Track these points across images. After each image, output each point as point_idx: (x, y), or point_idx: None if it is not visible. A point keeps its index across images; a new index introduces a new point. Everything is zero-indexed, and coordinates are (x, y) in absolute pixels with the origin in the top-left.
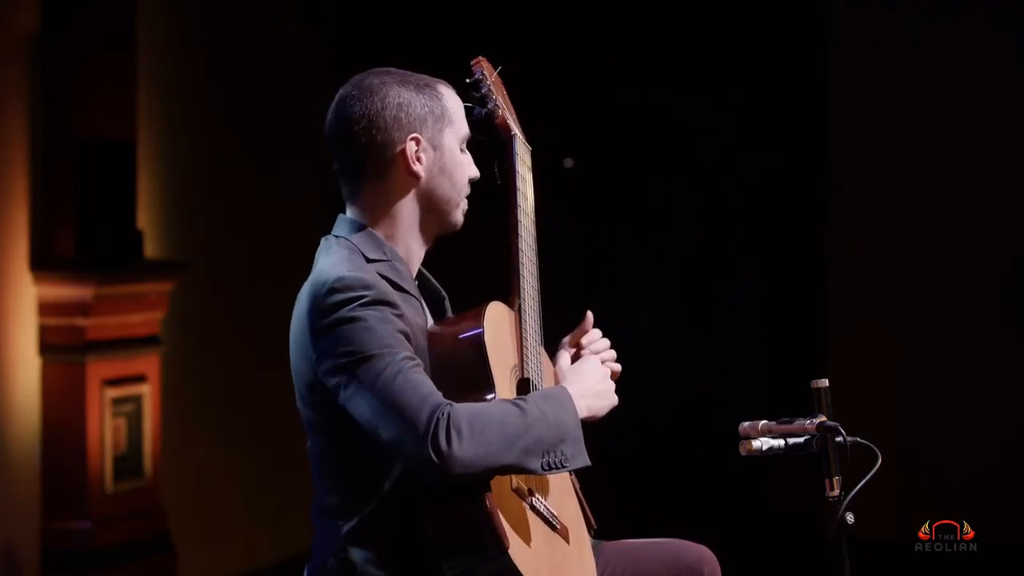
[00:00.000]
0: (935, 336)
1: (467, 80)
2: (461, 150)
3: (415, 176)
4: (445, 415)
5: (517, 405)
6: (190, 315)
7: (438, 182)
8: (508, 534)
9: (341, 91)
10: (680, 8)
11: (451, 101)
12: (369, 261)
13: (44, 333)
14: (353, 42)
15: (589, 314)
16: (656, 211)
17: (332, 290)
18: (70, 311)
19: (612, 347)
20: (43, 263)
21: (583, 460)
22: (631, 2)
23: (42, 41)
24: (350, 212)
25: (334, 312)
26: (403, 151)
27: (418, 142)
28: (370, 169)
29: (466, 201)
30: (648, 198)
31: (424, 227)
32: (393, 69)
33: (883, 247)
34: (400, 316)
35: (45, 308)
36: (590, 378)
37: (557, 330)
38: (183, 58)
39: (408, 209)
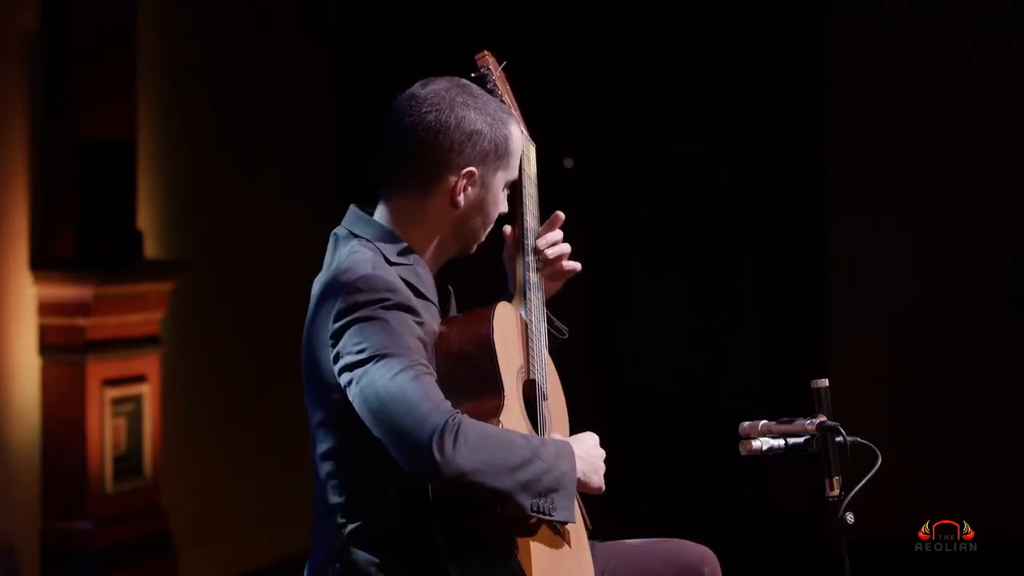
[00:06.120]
0: (935, 336)
1: (472, 75)
2: (503, 189)
3: (455, 206)
4: (456, 421)
5: (528, 440)
6: (190, 315)
7: (473, 216)
8: (517, 539)
9: (417, 88)
10: (681, 8)
11: (516, 144)
12: (392, 264)
13: (44, 333)
14: (353, 42)
15: (559, 213)
16: (656, 211)
17: (357, 289)
18: (70, 311)
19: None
20: (43, 263)
21: (569, 516)
22: (631, 1)
23: (42, 41)
24: (378, 211)
25: (357, 311)
26: (455, 180)
27: (471, 176)
28: (415, 179)
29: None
30: (648, 198)
31: (443, 247)
32: (473, 87)
33: (883, 247)
34: (420, 324)
35: (45, 308)
36: (590, 443)
37: None
38: (183, 58)
39: (435, 227)
